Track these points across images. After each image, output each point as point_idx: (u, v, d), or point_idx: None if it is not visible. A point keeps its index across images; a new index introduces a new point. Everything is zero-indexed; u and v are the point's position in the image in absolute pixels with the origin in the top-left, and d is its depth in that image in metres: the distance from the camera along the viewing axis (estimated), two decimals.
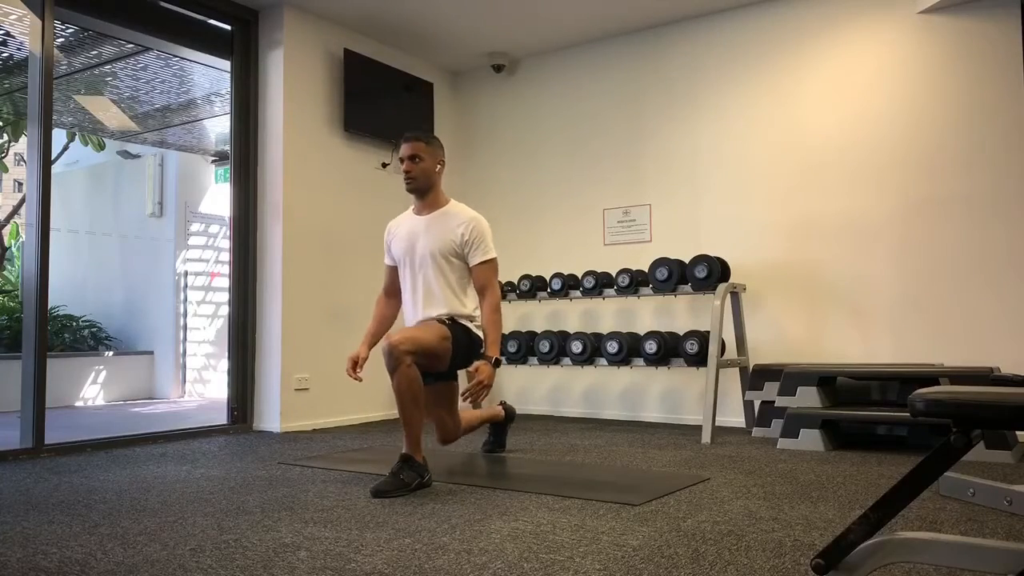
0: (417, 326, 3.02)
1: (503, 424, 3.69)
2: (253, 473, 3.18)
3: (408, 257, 3.11)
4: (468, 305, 3.08)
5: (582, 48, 5.39)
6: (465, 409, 3.36)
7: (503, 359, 3.12)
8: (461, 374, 3.15)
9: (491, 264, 3.06)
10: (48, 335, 3.93)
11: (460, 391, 3.04)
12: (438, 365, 2.99)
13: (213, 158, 7.56)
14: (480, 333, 3.06)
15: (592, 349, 4.55)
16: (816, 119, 4.53)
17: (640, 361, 4.39)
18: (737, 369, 4.51)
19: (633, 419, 5.04)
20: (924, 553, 1.45)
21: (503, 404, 3.73)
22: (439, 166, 3.10)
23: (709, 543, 2.07)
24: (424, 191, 3.09)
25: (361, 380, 3.07)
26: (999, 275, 4.00)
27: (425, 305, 3.07)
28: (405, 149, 3.05)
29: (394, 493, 2.71)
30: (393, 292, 3.25)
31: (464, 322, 3.06)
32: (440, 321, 3.01)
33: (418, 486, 2.80)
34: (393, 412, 5.18)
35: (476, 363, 2.90)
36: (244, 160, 4.70)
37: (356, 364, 3.07)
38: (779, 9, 4.67)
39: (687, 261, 4.42)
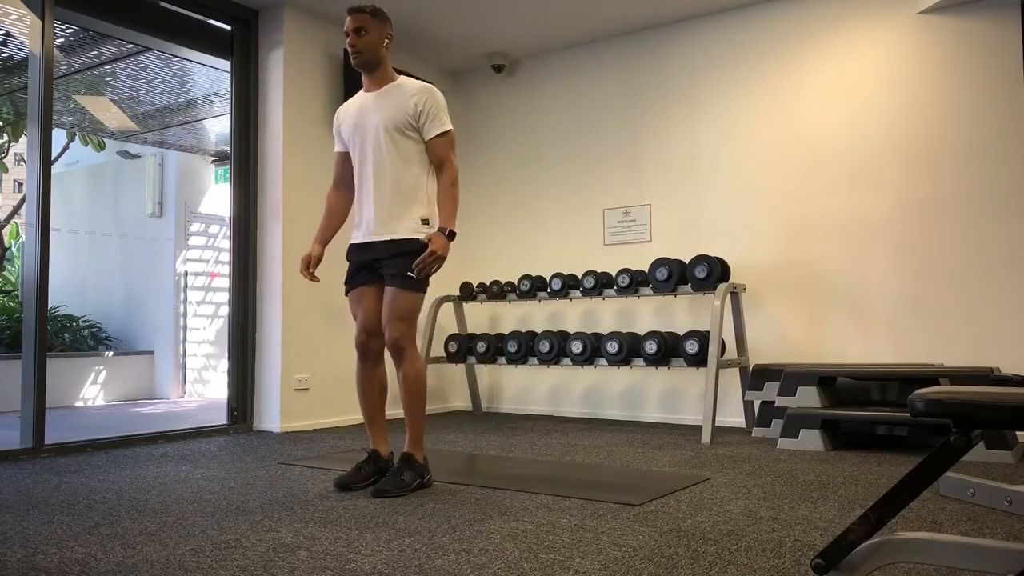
0: (389, 297, 2.78)
1: (416, 466, 2.83)
2: (253, 473, 3.18)
3: (358, 136, 2.89)
4: (419, 193, 2.83)
5: (582, 48, 5.39)
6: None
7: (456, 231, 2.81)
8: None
9: (448, 137, 2.84)
10: (48, 335, 3.93)
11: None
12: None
13: (213, 158, 7.56)
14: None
15: (592, 349, 4.55)
16: (816, 119, 4.53)
17: (640, 361, 4.39)
18: (737, 369, 4.51)
19: (633, 419, 5.04)
20: (924, 553, 1.45)
21: (425, 459, 2.91)
22: (387, 39, 2.88)
23: (709, 543, 2.07)
24: (372, 66, 2.88)
25: (318, 280, 2.99)
26: (999, 275, 4.00)
27: (376, 189, 2.82)
28: (349, 22, 2.84)
29: (394, 493, 2.70)
30: (344, 183, 3.04)
31: (422, 235, 2.79)
32: (399, 278, 2.75)
33: (418, 486, 2.79)
34: (393, 412, 5.17)
35: (429, 233, 2.77)
36: (244, 160, 4.70)
37: (308, 263, 2.96)
38: (779, 9, 4.67)
39: (687, 261, 4.42)
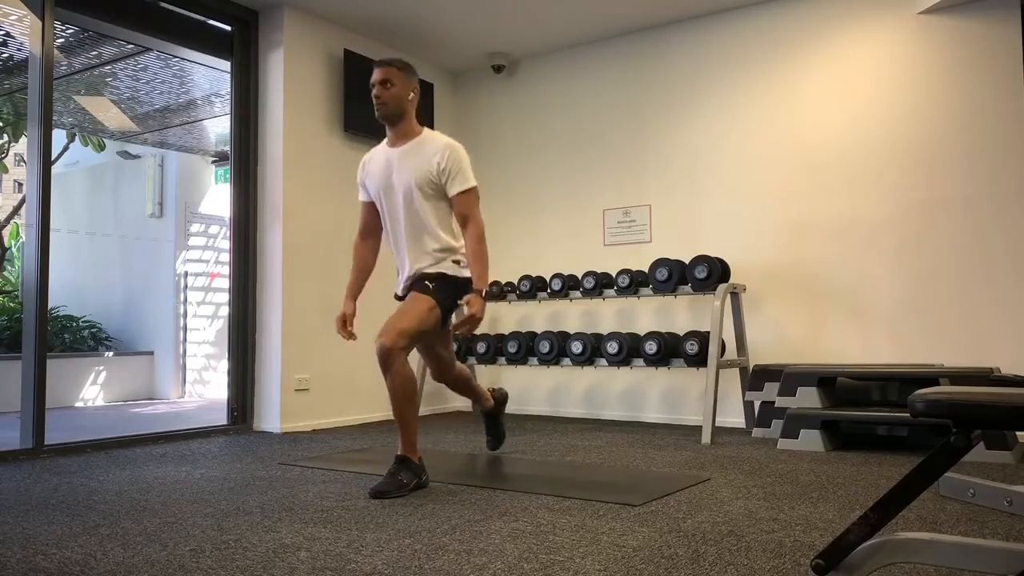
0: (399, 309, 2.87)
1: (494, 413, 3.60)
2: (253, 474, 3.18)
3: (384, 193, 2.95)
4: (452, 241, 2.94)
5: (582, 48, 5.39)
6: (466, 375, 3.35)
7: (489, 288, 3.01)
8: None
9: (471, 193, 2.89)
10: (48, 335, 3.93)
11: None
12: (433, 336, 2.98)
13: (213, 158, 7.56)
14: (467, 272, 2.94)
15: (592, 349, 4.54)
16: (816, 119, 4.53)
17: (640, 361, 4.39)
18: (737, 369, 4.50)
19: (633, 419, 5.04)
20: (924, 553, 1.45)
21: (493, 391, 3.58)
22: (412, 93, 2.93)
23: (709, 543, 2.06)
24: (395, 119, 2.92)
25: (355, 338, 3.00)
26: (999, 275, 4.00)
27: (410, 246, 2.92)
28: (376, 74, 2.89)
29: (393, 494, 2.70)
30: (369, 232, 3.08)
31: (450, 270, 2.92)
32: (424, 284, 2.88)
33: (416, 487, 2.80)
34: (387, 414, 5.17)
35: (466, 296, 2.87)
36: (244, 160, 4.70)
37: (345, 322, 3.00)
38: (779, 9, 4.67)
39: (687, 261, 4.42)
